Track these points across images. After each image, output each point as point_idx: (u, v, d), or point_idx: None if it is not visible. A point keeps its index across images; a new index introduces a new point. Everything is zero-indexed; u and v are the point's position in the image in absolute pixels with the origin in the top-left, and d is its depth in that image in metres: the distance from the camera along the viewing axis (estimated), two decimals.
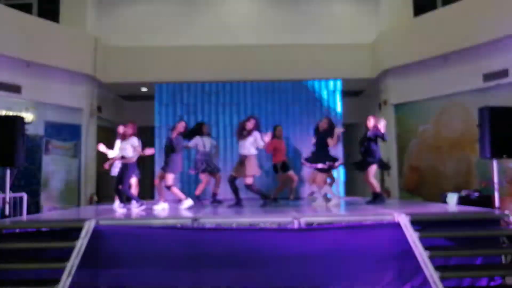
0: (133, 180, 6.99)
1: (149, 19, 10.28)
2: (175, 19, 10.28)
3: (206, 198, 8.21)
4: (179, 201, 6.68)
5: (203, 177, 7.80)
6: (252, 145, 6.49)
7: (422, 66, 8.90)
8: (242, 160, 6.52)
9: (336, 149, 8.17)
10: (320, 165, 6.61)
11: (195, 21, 10.24)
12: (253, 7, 10.50)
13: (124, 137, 6.40)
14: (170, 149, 6.54)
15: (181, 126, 6.75)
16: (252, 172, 6.46)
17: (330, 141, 6.67)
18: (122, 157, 6.23)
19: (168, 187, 6.50)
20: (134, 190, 7.02)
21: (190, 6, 10.37)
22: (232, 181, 6.58)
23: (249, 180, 6.47)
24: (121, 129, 6.98)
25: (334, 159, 6.70)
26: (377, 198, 6.73)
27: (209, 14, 10.35)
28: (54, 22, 9.21)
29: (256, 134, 6.51)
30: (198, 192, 7.83)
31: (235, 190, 6.61)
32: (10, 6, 8.44)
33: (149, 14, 10.34)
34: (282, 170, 7.91)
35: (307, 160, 6.85)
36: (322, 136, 6.80)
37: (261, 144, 6.50)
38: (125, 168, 6.20)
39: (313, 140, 7.09)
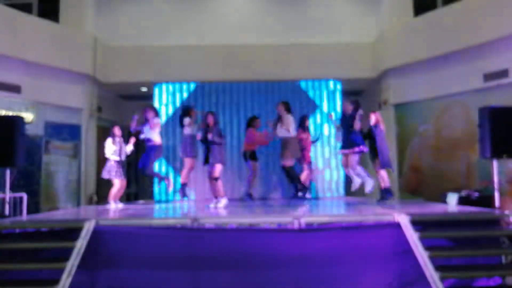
0: (117, 182, 7.04)
1: (148, 18, 10.28)
2: (174, 19, 10.28)
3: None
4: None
5: (188, 162, 7.63)
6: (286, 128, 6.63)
7: (422, 66, 8.90)
8: (281, 145, 6.74)
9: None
10: (357, 149, 6.63)
11: (194, 21, 10.24)
12: (252, 6, 10.50)
13: (146, 121, 6.68)
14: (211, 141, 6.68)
15: (210, 118, 6.93)
16: (291, 155, 6.53)
17: (356, 123, 6.65)
18: (148, 140, 6.48)
19: (216, 179, 6.54)
20: (118, 192, 7.09)
21: (190, 6, 10.36)
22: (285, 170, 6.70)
23: (288, 162, 6.53)
24: (116, 130, 7.07)
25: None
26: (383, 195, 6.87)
27: (209, 14, 10.34)
28: (53, 22, 9.22)
29: (287, 116, 6.63)
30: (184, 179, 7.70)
31: (293, 179, 6.66)
32: (10, 6, 8.44)
33: (148, 13, 10.33)
34: (250, 158, 8.05)
35: (343, 147, 6.83)
36: (350, 119, 6.78)
37: (290, 127, 6.60)
38: (150, 150, 6.45)
39: (338, 125, 7.13)
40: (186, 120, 7.52)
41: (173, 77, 9.76)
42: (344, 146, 6.82)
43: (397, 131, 9.61)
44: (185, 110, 7.76)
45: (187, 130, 7.53)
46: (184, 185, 7.57)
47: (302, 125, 8.14)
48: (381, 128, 6.93)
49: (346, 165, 6.84)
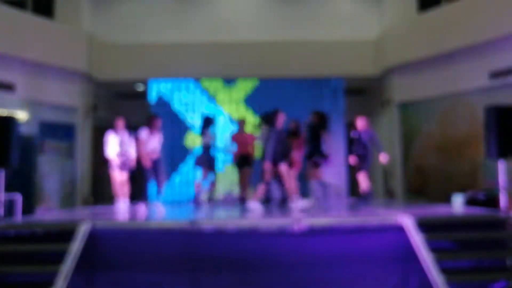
0: (115, 175, 7.05)
1: (145, 15, 10.29)
2: (171, 15, 10.29)
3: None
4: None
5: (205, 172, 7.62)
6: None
7: (426, 63, 8.91)
8: None
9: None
10: (324, 161, 6.86)
11: (192, 17, 10.25)
12: (252, 3, 10.51)
13: (153, 132, 6.47)
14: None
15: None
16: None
17: (325, 135, 6.91)
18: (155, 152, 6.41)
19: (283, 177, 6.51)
20: (121, 187, 7.12)
21: (187, 2, 10.38)
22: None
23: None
24: (120, 123, 7.06)
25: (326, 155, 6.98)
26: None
27: (207, 10, 10.35)
28: (48, 19, 9.23)
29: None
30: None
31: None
32: (4, 2, 8.46)
33: (145, 10, 10.34)
34: (238, 165, 7.81)
35: (308, 157, 6.94)
36: (315, 131, 6.99)
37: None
38: (159, 162, 6.36)
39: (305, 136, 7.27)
40: (208, 132, 7.41)
41: (169, 74, 9.77)
42: (311, 156, 6.96)
43: (401, 131, 9.61)
44: (206, 120, 7.58)
45: (206, 141, 7.39)
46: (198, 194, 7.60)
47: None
48: (372, 132, 7.08)
49: (310, 176, 7.00)
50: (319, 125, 7.00)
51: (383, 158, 7.00)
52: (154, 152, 6.46)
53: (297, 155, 7.48)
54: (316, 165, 6.99)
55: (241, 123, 7.88)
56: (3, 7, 8.21)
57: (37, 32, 8.63)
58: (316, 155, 6.91)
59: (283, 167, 6.35)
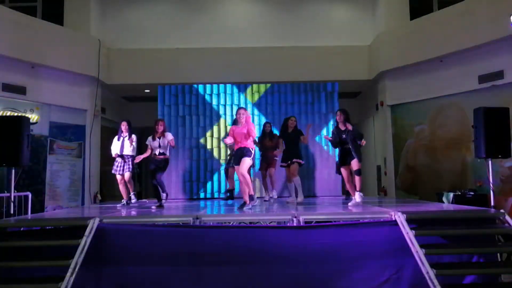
0: (127, 175, 6.99)
1: (152, 22, 10.24)
2: (177, 22, 10.24)
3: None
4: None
5: (232, 171, 7.60)
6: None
7: (418, 68, 8.88)
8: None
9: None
10: (299, 160, 6.90)
11: (197, 24, 10.21)
12: (252, 10, 10.47)
13: (159, 134, 6.42)
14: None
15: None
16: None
17: (303, 139, 7.05)
18: (162, 154, 6.39)
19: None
20: (123, 187, 7.07)
21: (192, 10, 10.33)
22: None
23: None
24: (122, 126, 7.00)
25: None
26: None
27: (211, 18, 10.31)
28: (58, 24, 9.19)
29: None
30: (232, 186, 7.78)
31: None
32: (15, 9, 8.42)
33: (152, 17, 10.30)
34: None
35: (286, 160, 6.98)
36: (294, 134, 7.06)
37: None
38: (165, 163, 6.44)
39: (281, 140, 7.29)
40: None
41: (175, 78, 9.74)
42: (287, 159, 6.94)
43: (393, 132, 9.59)
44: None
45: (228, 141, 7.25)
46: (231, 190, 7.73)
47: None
48: None
49: (289, 176, 7.03)
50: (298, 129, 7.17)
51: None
52: (158, 154, 6.39)
53: (272, 155, 7.43)
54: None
55: (238, 113, 6.53)
56: (14, 12, 8.16)
57: (48, 37, 8.57)
58: (301, 157, 7.03)
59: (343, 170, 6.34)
